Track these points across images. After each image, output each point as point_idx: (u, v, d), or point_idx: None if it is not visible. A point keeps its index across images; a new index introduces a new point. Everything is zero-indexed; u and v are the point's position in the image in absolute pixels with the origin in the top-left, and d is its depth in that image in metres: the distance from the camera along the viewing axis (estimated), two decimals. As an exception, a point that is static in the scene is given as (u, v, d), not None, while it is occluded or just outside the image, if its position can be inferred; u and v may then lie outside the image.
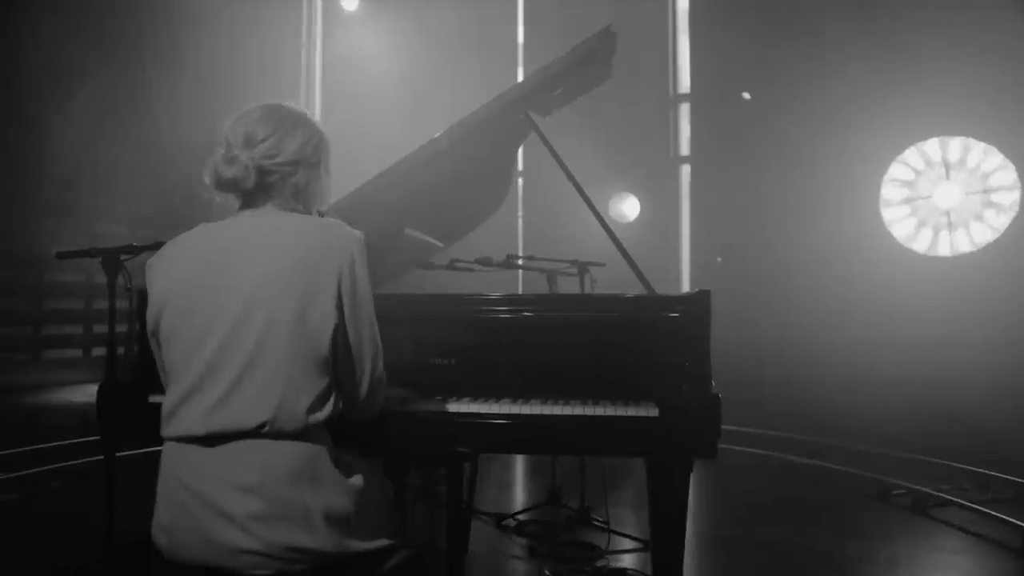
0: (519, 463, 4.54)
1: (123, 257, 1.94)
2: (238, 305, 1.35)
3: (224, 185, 1.44)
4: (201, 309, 1.37)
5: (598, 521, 3.21)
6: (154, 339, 1.45)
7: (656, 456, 1.80)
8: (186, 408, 1.36)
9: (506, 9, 8.90)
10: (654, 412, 1.74)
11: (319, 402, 1.38)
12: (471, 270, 3.08)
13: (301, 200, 1.52)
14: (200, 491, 1.32)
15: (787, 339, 6.67)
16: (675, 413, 1.74)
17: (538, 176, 8.54)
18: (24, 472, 3.98)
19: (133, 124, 6.81)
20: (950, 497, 3.77)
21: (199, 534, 1.32)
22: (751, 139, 7.45)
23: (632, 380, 1.85)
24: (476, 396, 1.84)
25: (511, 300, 1.95)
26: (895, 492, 3.96)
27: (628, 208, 7.97)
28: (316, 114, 10.93)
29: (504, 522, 3.35)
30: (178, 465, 1.36)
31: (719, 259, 7.92)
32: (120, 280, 1.93)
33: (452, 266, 3.07)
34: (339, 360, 1.42)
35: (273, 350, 1.34)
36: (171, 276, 1.42)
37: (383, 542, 1.46)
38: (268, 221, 1.45)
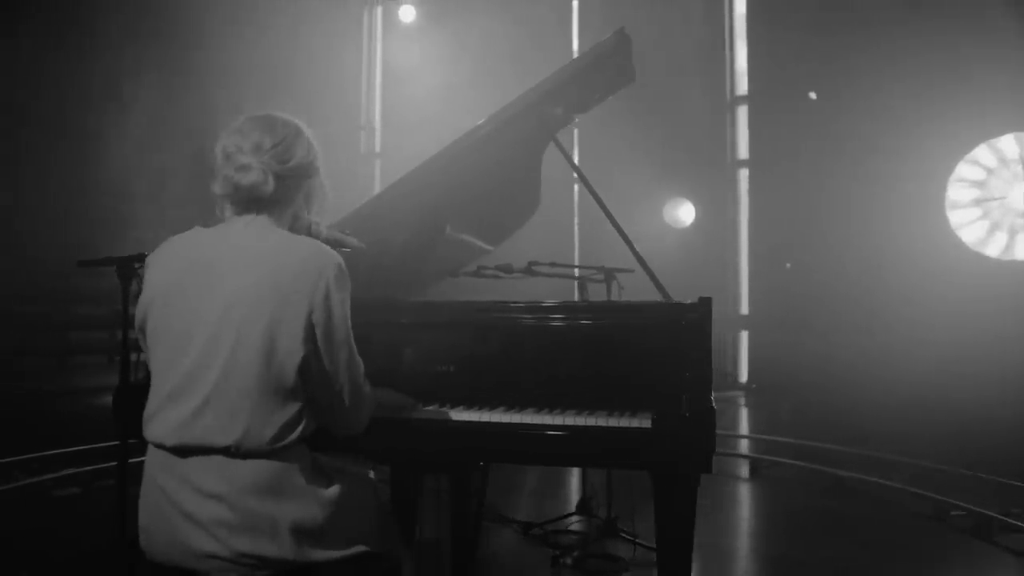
0: (554, 472, 4.49)
1: (136, 265, 2.03)
2: (214, 316, 1.36)
3: (243, 192, 1.43)
4: (182, 314, 1.39)
5: (625, 533, 3.15)
6: (141, 335, 1.47)
7: (653, 468, 1.75)
8: (163, 415, 1.38)
9: (561, 17, 8.88)
10: (647, 424, 1.69)
11: (287, 428, 1.38)
12: (498, 276, 3.06)
13: (306, 208, 1.53)
14: (172, 495, 1.35)
15: (846, 348, 6.40)
16: (668, 425, 1.69)
17: (594, 183, 8.48)
18: (81, 469, 4.18)
19: (190, 134, 7.09)
20: (1019, 523, 3.50)
21: (171, 536, 1.35)
22: (811, 141, 7.22)
23: (630, 390, 1.80)
24: (471, 405, 1.83)
25: (506, 308, 1.93)
26: (953, 513, 3.73)
27: (683, 213, 7.82)
28: (376, 122, 11.22)
29: (532, 530, 3.32)
30: (155, 468, 1.40)
31: (788, 265, 7.69)
32: (134, 287, 2.01)
33: (479, 273, 3.07)
34: (314, 386, 1.42)
35: (241, 372, 1.34)
36: (161, 275, 1.44)
37: (359, 550, 1.46)
38: (255, 233, 1.45)
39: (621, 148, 7.85)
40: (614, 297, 3.11)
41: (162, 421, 1.38)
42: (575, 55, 8.89)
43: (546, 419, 1.74)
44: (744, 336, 8.10)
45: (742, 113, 8.17)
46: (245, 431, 1.34)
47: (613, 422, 1.71)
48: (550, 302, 1.90)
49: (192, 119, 7.22)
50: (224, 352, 1.35)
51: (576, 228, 8.95)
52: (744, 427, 6.68)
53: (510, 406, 1.81)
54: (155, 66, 7.37)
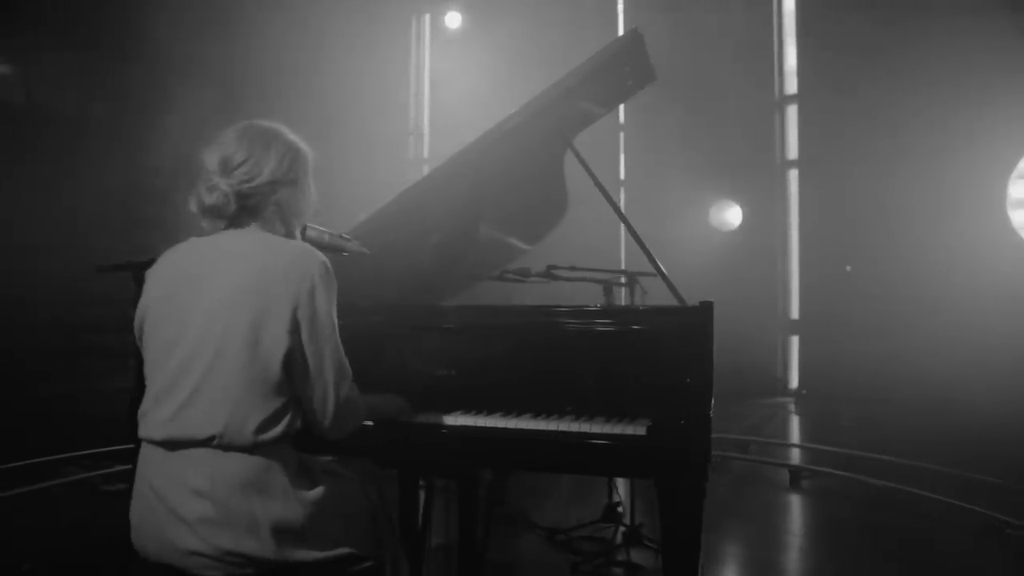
0: (588, 478, 4.44)
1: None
2: (200, 319, 1.41)
3: (207, 211, 1.49)
4: (172, 319, 1.44)
5: (649, 541, 3.09)
6: (139, 341, 1.53)
7: (648, 477, 1.71)
8: (153, 412, 1.43)
9: (607, 21, 8.79)
10: (641, 431, 1.66)
11: (270, 422, 1.40)
12: (519, 280, 3.04)
13: (283, 217, 1.55)
14: (160, 492, 1.39)
15: (901, 353, 6.15)
16: (662, 433, 1.65)
17: (640, 186, 8.39)
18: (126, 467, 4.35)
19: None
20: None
21: (158, 532, 1.39)
22: (863, 140, 6.98)
23: (627, 396, 1.77)
24: (468, 409, 1.82)
25: (504, 312, 1.92)
26: (1008, 530, 3.53)
27: (730, 216, 7.65)
28: (424, 128, 11.33)
29: (557, 536, 3.29)
30: (146, 465, 1.44)
31: (848, 268, 7.44)
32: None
33: (502, 277, 3.05)
34: (298, 383, 1.44)
35: (226, 367, 1.38)
36: (156, 285, 1.49)
37: (342, 551, 1.47)
38: (243, 240, 1.49)
39: (667, 150, 7.74)
40: (637, 301, 3.06)
41: (152, 418, 1.42)
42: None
43: (539, 425, 1.72)
44: (794, 341, 7.88)
45: (791, 112, 7.95)
46: (227, 422, 1.37)
47: (608, 428, 1.68)
48: (547, 306, 1.87)
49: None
50: (211, 348, 1.39)
51: (623, 232, 8.85)
52: (793, 435, 6.49)
53: (507, 411, 1.79)
54: (208, 75, 7.61)
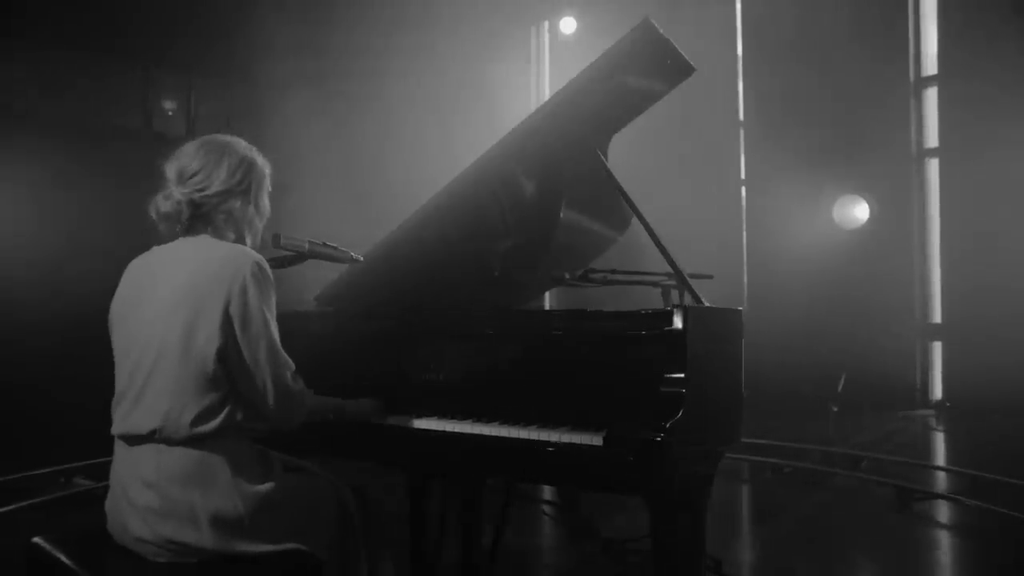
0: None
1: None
2: (146, 323, 1.55)
3: (163, 219, 1.63)
4: (127, 325, 1.60)
5: (709, 558, 2.93)
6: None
7: (609, 490, 1.64)
8: (116, 411, 1.59)
9: (725, 21, 8.41)
10: (598, 441, 1.59)
11: (207, 415, 1.51)
12: (572, 284, 2.98)
13: (235, 226, 1.66)
14: (122, 482, 1.54)
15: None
16: (623, 444, 1.57)
17: (760, 184, 7.97)
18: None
19: (370, 157, 7.62)
20: None
21: (120, 519, 1.54)
22: (1015, 123, 6.20)
23: (594, 405, 1.71)
24: (440, 414, 1.84)
25: (481, 317, 1.91)
26: None
27: (857, 211, 7.07)
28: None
29: (611, 547, 3.20)
30: (115, 459, 1.60)
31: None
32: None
33: (563, 281, 3.00)
34: (237, 376, 1.54)
35: (166, 365, 1.51)
36: (118, 293, 1.66)
37: (290, 547, 1.54)
38: (192, 246, 1.62)
39: (789, 146, 7.29)
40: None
41: (115, 416, 1.58)
42: (739, 59, 8.40)
43: (501, 431, 1.70)
44: (937, 347, 7.13)
45: (930, 96, 7.21)
46: (165, 417, 1.49)
47: (567, 438, 1.63)
48: (523, 309, 1.85)
49: (369, 142, 7.85)
50: (153, 349, 1.52)
51: (744, 233, 8.44)
52: (938, 455, 5.84)
53: (478, 417, 1.79)
54: (335, 90, 8.08)
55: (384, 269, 2.23)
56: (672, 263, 2.19)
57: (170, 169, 1.65)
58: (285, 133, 7.35)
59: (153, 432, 1.50)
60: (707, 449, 1.82)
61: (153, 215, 1.65)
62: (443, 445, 1.78)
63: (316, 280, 2.48)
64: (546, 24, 10.73)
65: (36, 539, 1.64)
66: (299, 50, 7.59)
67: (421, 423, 1.80)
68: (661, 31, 2.30)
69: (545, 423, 1.72)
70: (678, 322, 1.67)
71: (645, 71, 2.41)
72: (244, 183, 1.66)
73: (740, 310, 2.11)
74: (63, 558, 1.57)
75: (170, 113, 7.93)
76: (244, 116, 8.11)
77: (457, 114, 8.20)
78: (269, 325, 1.55)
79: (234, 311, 1.51)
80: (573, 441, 1.62)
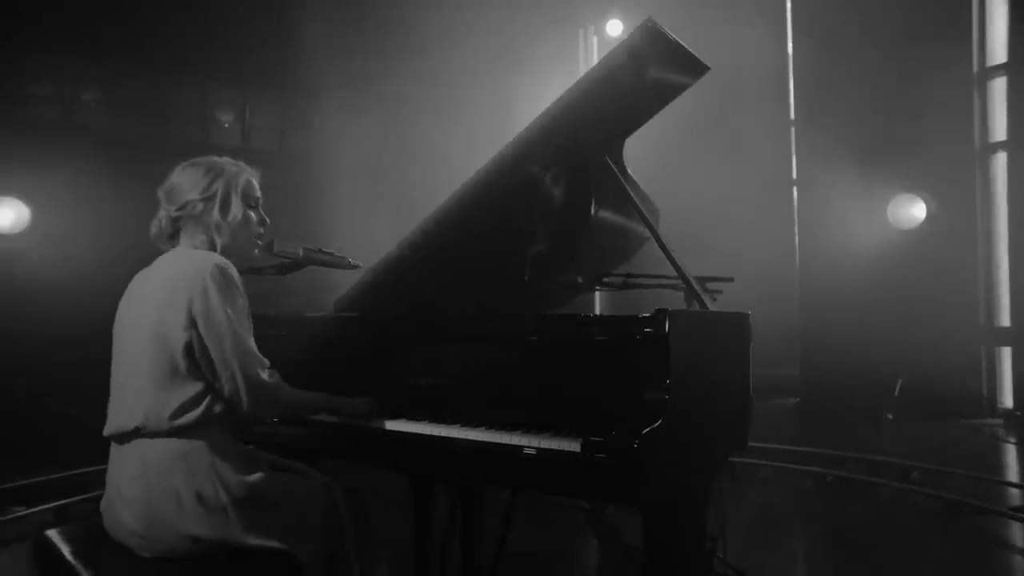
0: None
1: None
2: (128, 330, 1.66)
3: (154, 238, 1.78)
4: (118, 331, 1.71)
5: (731, 568, 2.84)
6: None
7: (585, 497, 1.61)
8: (109, 415, 1.68)
9: (775, 20, 8.18)
10: (575, 447, 1.57)
11: (187, 407, 1.59)
12: (587, 289, 2.95)
13: (204, 230, 1.75)
14: (114, 478, 1.63)
15: None
16: (597, 449, 1.54)
17: (812, 184, 7.71)
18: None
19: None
20: None
21: (113, 514, 1.62)
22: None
23: (573, 411, 1.69)
24: (427, 418, 1.84)
25: (467, 321, 1.91)
26: None
27: (914, 210, 6.76)
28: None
29: (634, 554, 3.15)
30: (110, 458, 1.68)
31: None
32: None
33: (574, 287, 2.99)
34: (207, 371, 1.62)
35: (143, 365, 1.60)
36: (120, 303, 1.76)
37: (273, 545, 1.58)
38: (171, 256, 1.74)
39: (842, 145, 7.03)
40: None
41: (108, 418, 1.67)
42: (791, 64, 8.15)
43: (481, 436, 1.69)
44: (1006, 353, 6.74)
45: (998, 87, 6.83)
46: (147, 412, 1.58)
47: (545, 443, 1.61)
48: (505, 313, 1.84)
49: (420, 145, 7.94)
50: (132, 353, 1.62)
51: (796, 234, 8.19)
52: (1010, 469, 5.50)
53: (453, 421, 1.79)
54: (386, 93, 8.20)
55: (404, 271, 2.23)
56: (676, 266, 2.15)
57: (160, 193, 1.78)
58: (338, 141, 7.53)
59: (137, 429, 1.59)
60: (701, 456, 1.77)
61: (151, 237, 1.79)
62: (426, 448, 1.78)
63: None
64: (592, 28, 10.68)
65: (48, 532, 1.74)
66: (347, 57, 7.76)
67: (406, 426, 1.82)
68: (664, 30, 2.27)
69: (529, 428, 1.70)
70: (661, 327, 1.63)
71: (650, 70, 2.37)
72: (210, 190, 1.75)
73: (748, 314, 2.05)
74: (64, 552, 1.65)
75: (226, 125, 8.23)
76: (298, 127, 8.36)
77: (511, 114, 8.21)
78: (233, 323, 1.61)
79: (196, 310, 1.59)
80: (552, 447, 1.59)
